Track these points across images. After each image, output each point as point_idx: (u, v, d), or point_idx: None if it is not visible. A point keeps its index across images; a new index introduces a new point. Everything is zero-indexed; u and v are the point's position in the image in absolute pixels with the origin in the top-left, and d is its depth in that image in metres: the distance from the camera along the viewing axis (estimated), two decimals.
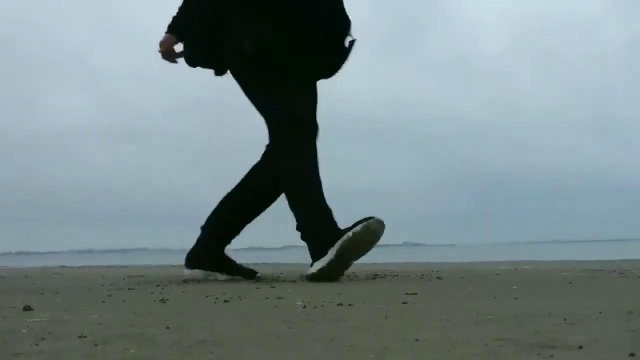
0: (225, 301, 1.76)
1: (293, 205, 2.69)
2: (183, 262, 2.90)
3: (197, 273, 2.79)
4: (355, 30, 2.78)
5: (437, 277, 2.74)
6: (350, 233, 2.50)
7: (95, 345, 1.01)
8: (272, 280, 2.70)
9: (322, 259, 2.52)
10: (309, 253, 2.64)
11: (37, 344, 1.03)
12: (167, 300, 1.84)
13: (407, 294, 1.88)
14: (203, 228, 2.87)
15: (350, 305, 1.58)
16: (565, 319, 1.22)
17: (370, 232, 2.53)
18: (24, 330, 1.21)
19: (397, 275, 2.94)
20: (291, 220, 2.72)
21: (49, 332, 1.17)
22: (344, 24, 2.76)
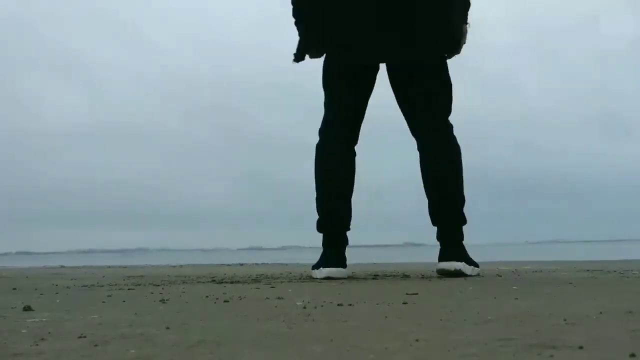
0: (225, 301, 1.77)
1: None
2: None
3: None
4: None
5: (438, 277, 2.74)
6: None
7: (95, 345, 1.01)
8: (272, 280, 2.70)
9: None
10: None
11: (37, 344, 1.03)
12: (167, 300, 1.84)
13: (407, 294, 1.88)
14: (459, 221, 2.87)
15: (350, 305, 1.58)
16: (565, 319, 1.22)
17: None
18: (24, 331, 1.20)
19: (397, 276, 2.94)
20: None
21: (49, 332, 1.17)
22: None
